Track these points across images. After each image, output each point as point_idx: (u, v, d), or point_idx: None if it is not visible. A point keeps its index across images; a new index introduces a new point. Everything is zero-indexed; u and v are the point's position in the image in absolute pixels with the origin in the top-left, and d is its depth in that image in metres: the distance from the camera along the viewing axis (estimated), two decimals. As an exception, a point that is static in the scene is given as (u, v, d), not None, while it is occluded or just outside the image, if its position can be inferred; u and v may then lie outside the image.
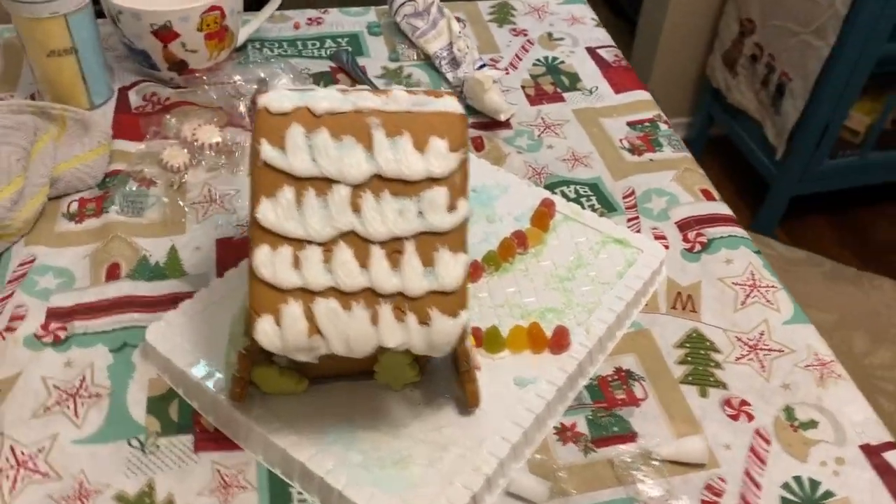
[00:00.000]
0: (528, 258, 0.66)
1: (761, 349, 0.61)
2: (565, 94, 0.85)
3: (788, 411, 0.57)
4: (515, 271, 0.65)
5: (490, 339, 0.58)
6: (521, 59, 0.90)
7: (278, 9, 0.91)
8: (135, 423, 0.55)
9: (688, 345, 0.62)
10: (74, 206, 0.70)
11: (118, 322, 0.61)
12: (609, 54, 0.92)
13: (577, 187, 0.74)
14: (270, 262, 0.45)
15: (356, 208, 0.47)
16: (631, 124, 0.82)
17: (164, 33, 0.77)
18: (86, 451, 0.53)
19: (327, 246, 0.46)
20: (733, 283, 0.66)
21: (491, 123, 0.80)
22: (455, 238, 0.48)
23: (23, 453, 0.52)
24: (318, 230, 0.46)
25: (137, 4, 0.77)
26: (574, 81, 0.87)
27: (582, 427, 0.56)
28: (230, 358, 0.53)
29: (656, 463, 0.54)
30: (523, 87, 0.86)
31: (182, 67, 0.81)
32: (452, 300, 0.48)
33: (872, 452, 0.55)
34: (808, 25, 1.62)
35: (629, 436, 0.56)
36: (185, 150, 0.74)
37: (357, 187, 0.47)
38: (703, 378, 0.59)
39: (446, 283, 0.47)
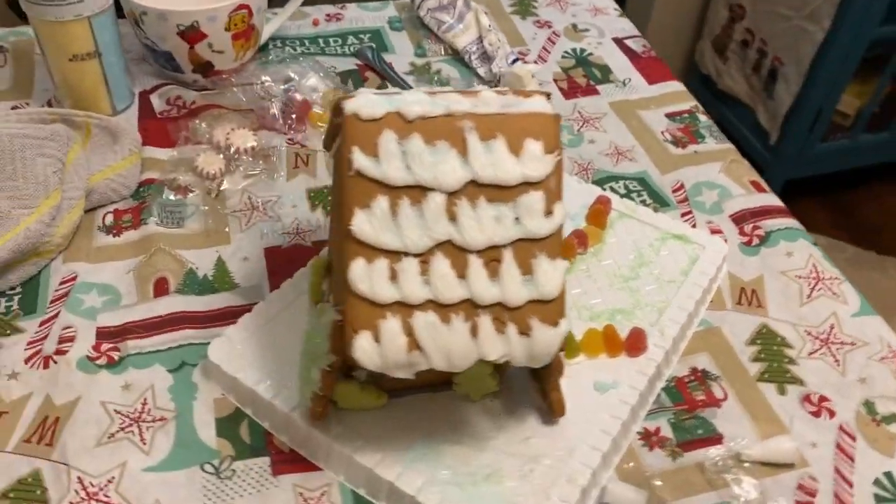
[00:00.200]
0: (588, 258, 0.64)
1: (833, 343, 0.60)
2: (599, 87, 0.84)
3: (868, 405, 0.57)
4: (577, 272, 0.63)
5: (566, 344, 0.57)
6: (549, 52, 0.88)
7: (295, 5, 0.88)
8: (205, 446, 0.52)
9: (759, 341, 0.61)
10: (110, 219, 0.66)
11: (173, 340, 0.58)
12: (637, 45, 0.90)
13: (626, 182, 0.73)
14: (367, 277, 0.43)
15: (452, 216, 0.44)
16: (670, 116, 0.80)
17: (191, 34, 0.74)
18: (158, 479, 0.50)
19: (423, 257, 0.44)
20: (797, 276, 0.65)
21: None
22: (552, 244, 0.46)
23: (92, 484, 0.49)
24: (414, 241, 0.44)
25: (160, 4, 0.73)
26: (606, 73, 0.86)
27: (666, 431, 0.55)
28: (309, 374, 0.50)
29: (747, 465, 0.53)
30: (555, 81, 0.84)
31: (207, 69, 0.78)
32: (552, 309, 0.46)
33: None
34: (802, 10, 1.63)
35: (715, 438, 0.54)
36: (221, 156, 0.71)
37: (452, 195, 0.44)
38: (780, 375, 0.58)
39: (546, 292, 0.45)
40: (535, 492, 0.49)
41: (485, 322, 0.45)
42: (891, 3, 1.55)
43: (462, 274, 0.44)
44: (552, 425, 0.53)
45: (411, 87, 0.80)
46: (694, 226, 0.69)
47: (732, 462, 0.53)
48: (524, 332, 0.45)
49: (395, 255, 0.44)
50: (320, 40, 0.88)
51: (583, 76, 0.85)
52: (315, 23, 0.90)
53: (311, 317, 0.56)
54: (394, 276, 0.44)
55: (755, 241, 0.68)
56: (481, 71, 0.83)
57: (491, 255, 0.45)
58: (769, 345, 0.60)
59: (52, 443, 0.51)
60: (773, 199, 0.72)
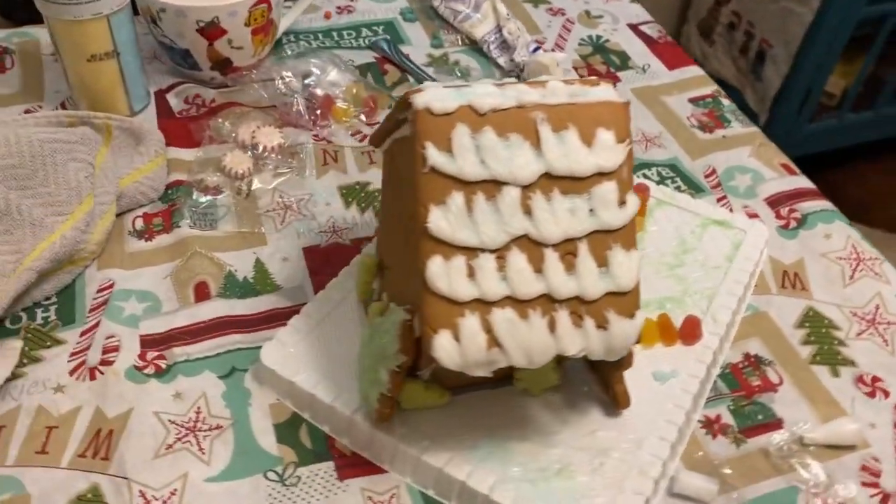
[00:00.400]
0: (630, 246, 0.63)
1: (880, 323, 0.61)
2: (619, 74, 0.83)
3: (921, 384, 0.57)
4: (622, 261, 0.62)
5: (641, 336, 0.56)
6: (565, 40, 0.88)
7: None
8: (267, 453, 0.51)
9: (807, 324, 0.61)
10: (140, 223, 0.64)
11: (220, 346, 0.56)
12: (652, 30, 0.90)
13: (659, 169, 0.72)
14: (445, 274, 0.42)
15: (527, 210, 0.43)
16: (693, 101, 0.80)
17: (211, 30, 0.72)
18: (222, 489, 0.49)
19: (500, 252, 0.43)
20: (837, 257, 0.65)
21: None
22: (626, 235, 0.45)
23: (155, 497, 0.48)
24: (491, 236, 0.43)
25: (179, 1, 0.71)
26: (624, 60, 0.85)
27: (727, 418, 0.54)
28: (376, 375, 0.49)
29: (812, 448, 0.53)
30: (575, 68, 0.84)
31: (225, 66, 0.76)
32: (628, 300, 0.45)
33: None
34: (790, -9, 1.64)
35: (775, 423, 0.54)
36: (248, 155, 0.69)
37: (526, 188, 0.44)
38: (832, 357, 0.58)
39: (622, 283, 0.45)
40: (608, 485, 0.49)
41: (562, 317, 0.44)
42: (878, -18, 1.57)
43: (538, 268, 0.44)
44: (616, 417, 0.52)
45: (434, 80, 0.79)
46: (731, 211, 0.69)
47: (797, 446, 0.53)
48: (601, 325, 0.45)
49: (471, 251, 0.43)
50: (334, 33, 0.86)
51: (602, 63, 0.85)
52: (327, 16, 0.88)
53: (367, 317, 0.54)
54: (471, 273, 0.43)
55: (792, 224, 0.68)
56: (501, 61, 0.82)
57: (566, 249, 0.44)
58: (817, 327, 0.60)
59: (109, 456, 0.50)
60: (805, 182, 0.72)
